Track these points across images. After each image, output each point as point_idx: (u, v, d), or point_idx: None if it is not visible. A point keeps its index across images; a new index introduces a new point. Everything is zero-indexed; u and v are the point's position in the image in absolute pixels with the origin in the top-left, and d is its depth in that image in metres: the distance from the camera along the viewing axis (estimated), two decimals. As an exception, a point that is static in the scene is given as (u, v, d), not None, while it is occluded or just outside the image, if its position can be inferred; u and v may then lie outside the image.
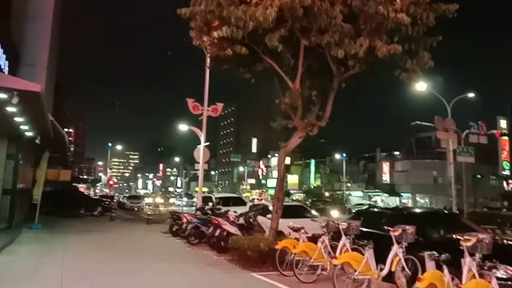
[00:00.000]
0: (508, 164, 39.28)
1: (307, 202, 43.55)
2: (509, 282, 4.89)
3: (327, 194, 63.22)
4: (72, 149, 59.33)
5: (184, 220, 13.82)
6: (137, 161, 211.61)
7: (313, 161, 74.15)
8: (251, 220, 11.69)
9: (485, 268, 4.94)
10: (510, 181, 42.63)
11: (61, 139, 16.67)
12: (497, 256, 5.12)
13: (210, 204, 14.98)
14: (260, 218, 12.00)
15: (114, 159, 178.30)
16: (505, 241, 7.76)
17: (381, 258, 6.96)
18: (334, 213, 29.62)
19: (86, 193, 46.22)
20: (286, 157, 11.04)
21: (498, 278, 4.79)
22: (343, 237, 7.78)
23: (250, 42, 9.02)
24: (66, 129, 46.49)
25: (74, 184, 42.26)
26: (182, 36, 9.91)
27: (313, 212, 15.43)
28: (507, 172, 40.13)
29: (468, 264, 5.18)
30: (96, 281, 7.42)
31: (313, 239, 8.34)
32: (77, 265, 8.96)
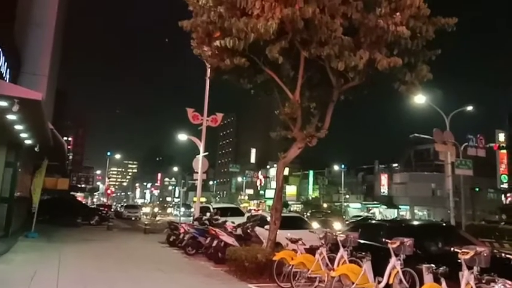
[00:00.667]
0: (506, 177, 39.30)
1: (305, 213, 43.38)
2: (507, 296, 4.87)
3: (325, 205, 63.07)
4: (70, 157, 59.28)
5: (182, 230, 13.77)
6: (135, 170, 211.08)
7: (311, 172, 74.04)
8: (249, 231, 11.65)
9: (483, 282, 4.93)
10: (508, 194, 42.59)
11: (60, 147, 16.68)
12: (495, 270, 5.11)
13: (208, 214, 14.92)
14: (258, 229, 11.96)
15: (112, 168, 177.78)
16: (503, 254, 7.75)
17: (378, 271, 6.94)
18: (337, 225, 29.00)
19: (83, 202, 46.06)
20: (285, 168, 11.05)
21: (496, 292, 4.78)
22: (341, 249, 7.76)
23: (251, 53, 9.10)
24: (65, 138, 46.45)
25: (72, 193, 42.12)
26: (182, 43, 9.98)
27: (313, 223, 15.38)
28: (505, 185, 40.14)
29: (466, 277, 5.17)
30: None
31: (311, 250, 8.31)
32: (74, 273, 8.90)
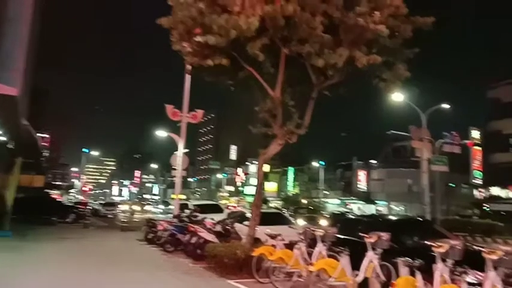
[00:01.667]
0: (479, 173, 40.45)
1: (285, 209, 43.57)
2: (478, 287, 5.04)
3: (304, 201, 63.60)
4: (46, 154, 57.92)
5: (160, 227, 13.66)
6: (113, 168, 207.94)
7: (291, 169, 74.56)
8: (228, 227, 11.67)
9: (457, 273, 5.09)
10: (481, 190, 43.85)
11: (35, 144, 16.29)
12: (467, 262, 5.29)
13: (187, 211, 14.86)
14: (237, 225, 12.00)
15: (89, 166, 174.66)
16: (475, 247, 7.99)
17: (356, 265, 7.08)
18: (323, 222, 28.73)
19: (59, 200, 45.11)
20: (265, 165, 11.11)
21: (468, 283, 4.94)
22: (320, 244, 7.85)
23: (232, 50, 9.08)
24: (41, 135, 45.37)
25: (47, 190, 41.21)
26: (164, 37, 9.82)
27: (298, 220, 15.47)
28: (478, 181, 41.31)
29: (440, 270, 5.33)
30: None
31: (290, 246, 8.39)
32: (50, 274, 8.74)
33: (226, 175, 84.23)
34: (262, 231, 10.32)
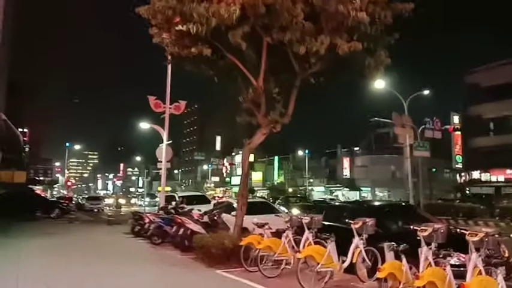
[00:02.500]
0: (461, 158, 41.25)
1: (276, 199, 43.77)
2: (462, 269, 5.16)
3: (290, 189, 64.07)
4: (27, 149, 56.78)
5: (147, 220, 13.57)
6: (96, 161, 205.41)
7: (276, 158, 74.86)
8: (215, 218, 11.67)
9: (441, 256, 5.19)
10: (462, 174, 44.81)
11: (15, 139, 15.93)
12: (451, 244, 5.40)
13: (173, 203, 14.79)
14: (225, 216, 12.00)
15: (72, 160, 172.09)
16: (458, 230, 8.18)
17: (343, 251, 7.17)
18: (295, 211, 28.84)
19: (42, 195, 44.42)
20: (251, 154, 11.10)
21: (452, 265, 5.05)
22: (306, 232, 7.92)
23: (213, 39, 8.97)
24: (21, 129, 44.44)
25: (30, 186, 40.54)
26: (143, 31, 9.62)
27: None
28: (459, 165, 42.15)
29: (425, 253, 5.43)
30: (55, 287, 7.17)
31: (278, 234, 8.44)
32: (34, 270, 8.62)
33: (211, 166, 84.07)
34: (249, 220, 10.36)
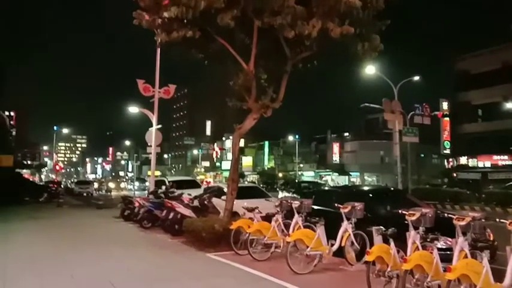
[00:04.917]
0: (449, 144, 41.66)
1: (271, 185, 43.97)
2: (448, 252, 5.25)
3: (280, 174, 64.39)
4: (14, 133, 56.00)
5: (137, 204, 13.55)
6: (85, 145, 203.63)
7: (267, 143, 74.98)
8: (206, 202, 11.69)
9: (428, 240, 5.27)
10: (450, 159, 45.34)
11: (1, 122, 15.68)
12: (438, 228, 5.48)
13: (163, 187, 14.77)
14: (215, 200, 12.02)
15: (60, 144, 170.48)
16: (445, 214, 8.31)
17: (332, 234, 7.25)
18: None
19: (31, 179, 44.06)
20: (241, 139, 11.07)
21: (439, 249, 5.13)
22: (296, 216, 7.97)
23: (202, 22, 8.84)
24: (6, 113, 43.78)
25: (17, 170, 40.15)
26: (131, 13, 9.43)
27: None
28: (447, 151, 42.62)
29: (412, 237, 5.50)
30: (45, 272, 7.13)
31: (267, 218, 8.49)
32: (23, 255, 8.57)
33: (202, 151, 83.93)
34: (239, 205, 10.40)
